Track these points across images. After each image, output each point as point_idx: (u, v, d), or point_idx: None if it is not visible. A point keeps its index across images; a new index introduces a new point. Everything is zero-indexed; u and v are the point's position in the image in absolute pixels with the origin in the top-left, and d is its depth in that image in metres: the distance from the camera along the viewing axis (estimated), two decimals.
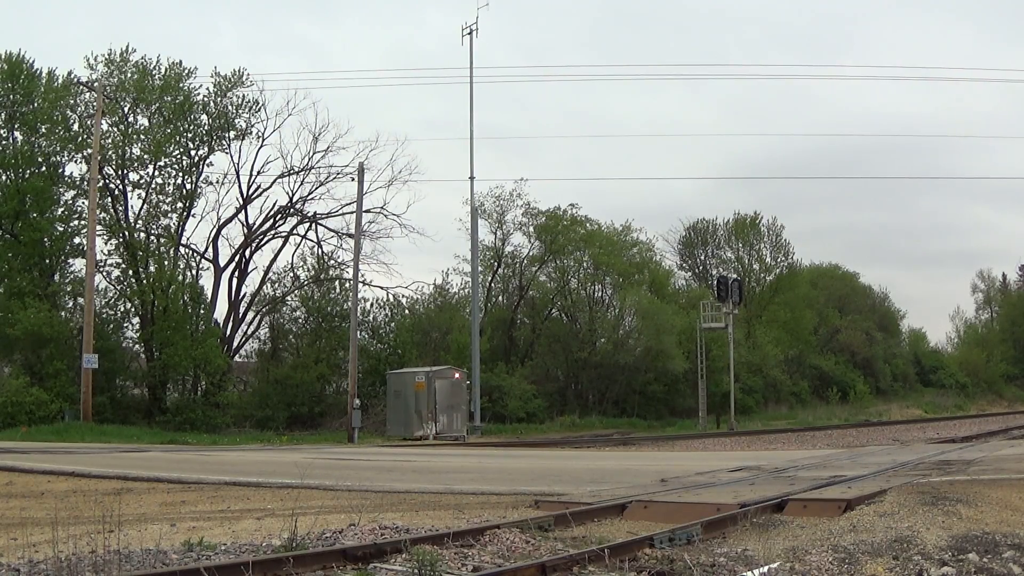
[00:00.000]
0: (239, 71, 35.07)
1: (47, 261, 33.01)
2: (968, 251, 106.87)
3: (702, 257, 54.67)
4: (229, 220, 36.55)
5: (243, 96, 35.35)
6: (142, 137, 34.08)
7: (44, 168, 32.88)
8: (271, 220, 37.18)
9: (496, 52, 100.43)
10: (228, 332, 36.44)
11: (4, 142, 32.87)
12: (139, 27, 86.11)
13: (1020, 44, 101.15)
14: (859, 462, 13.85)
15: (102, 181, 32.26)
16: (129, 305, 34.52)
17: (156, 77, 34.10)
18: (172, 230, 35.05)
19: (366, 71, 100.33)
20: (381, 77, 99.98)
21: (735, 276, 46.66)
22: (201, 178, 35.61)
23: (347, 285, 35.82)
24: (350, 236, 35.27)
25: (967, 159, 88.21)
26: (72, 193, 33.59)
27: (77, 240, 33.01)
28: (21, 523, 7.90)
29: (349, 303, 33.58)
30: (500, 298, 44.17)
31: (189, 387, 34.67)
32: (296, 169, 36.40)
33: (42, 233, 31.98)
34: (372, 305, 38.88)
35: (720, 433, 33.73)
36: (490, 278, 42.68)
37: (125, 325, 34.79)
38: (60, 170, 33.52)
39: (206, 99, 35.01)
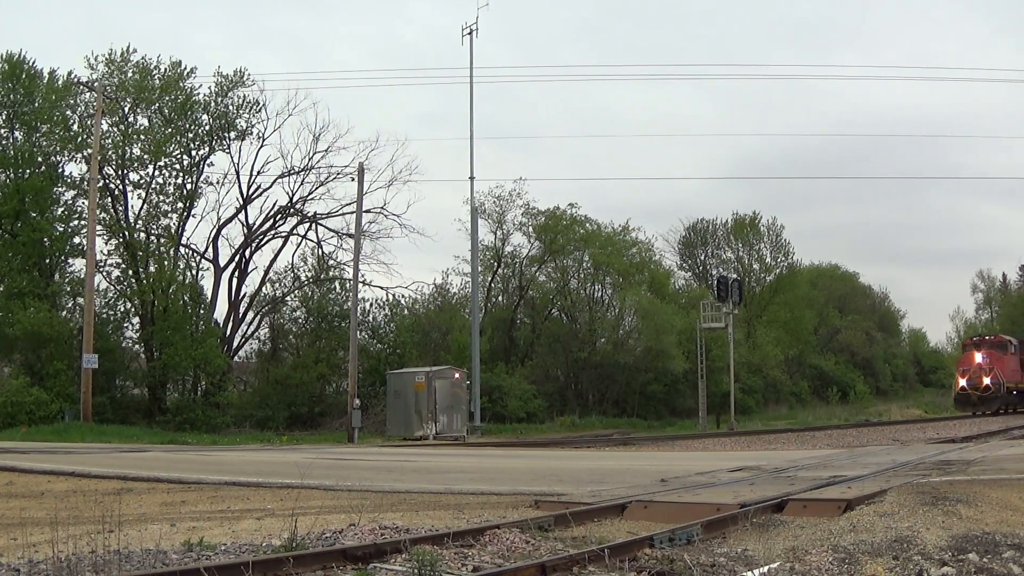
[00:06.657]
0: (240, 71, 35.25)
1: (47, 261, 33.02)
2: (972, 250, 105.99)
3: (702, 257, 54.80)
4: (229, 220, 36.69)
5: (243, 96, 35.50)
6: (142, 137, 34.11)
7: (44, 168, 32.87)
8: (271, 220, 37.27)
9: (495, 49, 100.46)
10: (228, 332, 36.46)
11: (4, 142, 32.87)
12: (125, 20, 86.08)
13: None
14: (859, 462, 13.83)
15: (102, 181, 32.27)
16: (129, 305, 34.55)
17: (156, 77, 34.14)
18: (172, 230, 35.11)
19: (363, 69, 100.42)
20: (378, 75, 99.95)
21: (735, 276, 46.74)
22: (201, 178, 35.75)
23: (347, 285, 35.87)
24: (350, 236, 35.31)
25: (973, 156, 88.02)
26: (72, 193, 33.70)
27: (77, 240, 33.03)
28: (21, 523, 7.88)
29: (349, 303, 33.57)
30: (500, 298, 44.20)
31: (189, 387, 34.68)
32: (296, 169, 36.55)
33: (42, 233, 31.97)
34: (372, 305, 39.00)
35: (720, 433, 33.70)
36: (490, 278, 42.70)
37: (125, 325, 34.88)
38: (60, 170, 33.58)
39: (207, 99, 35.10)
